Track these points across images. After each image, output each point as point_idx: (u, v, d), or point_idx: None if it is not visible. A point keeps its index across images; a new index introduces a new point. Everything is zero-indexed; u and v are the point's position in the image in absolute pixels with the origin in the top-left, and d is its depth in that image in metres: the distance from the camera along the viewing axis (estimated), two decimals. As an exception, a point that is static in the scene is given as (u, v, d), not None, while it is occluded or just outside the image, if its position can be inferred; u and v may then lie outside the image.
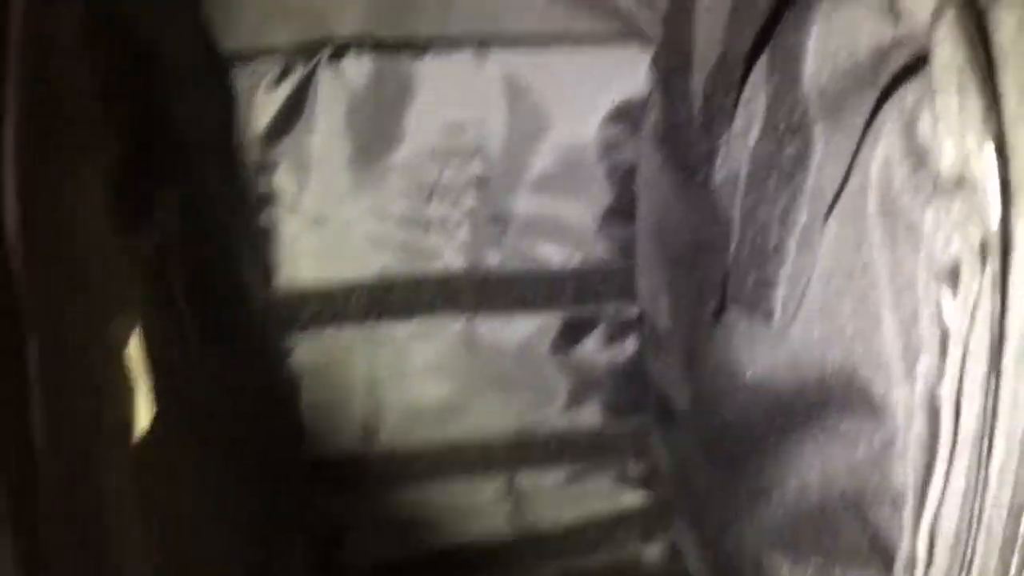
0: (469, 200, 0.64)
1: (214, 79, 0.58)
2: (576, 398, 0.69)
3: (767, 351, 0.47)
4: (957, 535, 0.34)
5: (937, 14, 0.32)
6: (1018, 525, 0.33)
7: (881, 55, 0.37)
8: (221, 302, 0.55)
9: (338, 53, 0.60)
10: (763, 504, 0.49)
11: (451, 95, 0.62)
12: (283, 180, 0.61)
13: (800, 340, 0.44)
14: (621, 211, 0.66)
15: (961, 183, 0.32)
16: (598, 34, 0.61)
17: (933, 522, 0.34)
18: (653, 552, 0.68)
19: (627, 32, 0.61)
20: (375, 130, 0.62)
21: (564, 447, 0.70)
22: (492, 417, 0.68)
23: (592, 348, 0.69)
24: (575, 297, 0.67)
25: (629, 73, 0.62)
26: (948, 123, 0.32)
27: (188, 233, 0.48)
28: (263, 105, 0.60)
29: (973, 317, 0.32)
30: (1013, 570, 0.34)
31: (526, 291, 0.67)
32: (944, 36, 0.32)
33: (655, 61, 0.61)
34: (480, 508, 0.69)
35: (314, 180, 0.62)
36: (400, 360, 0.65)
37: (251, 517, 0.54)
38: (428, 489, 0.68)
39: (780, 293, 0.45)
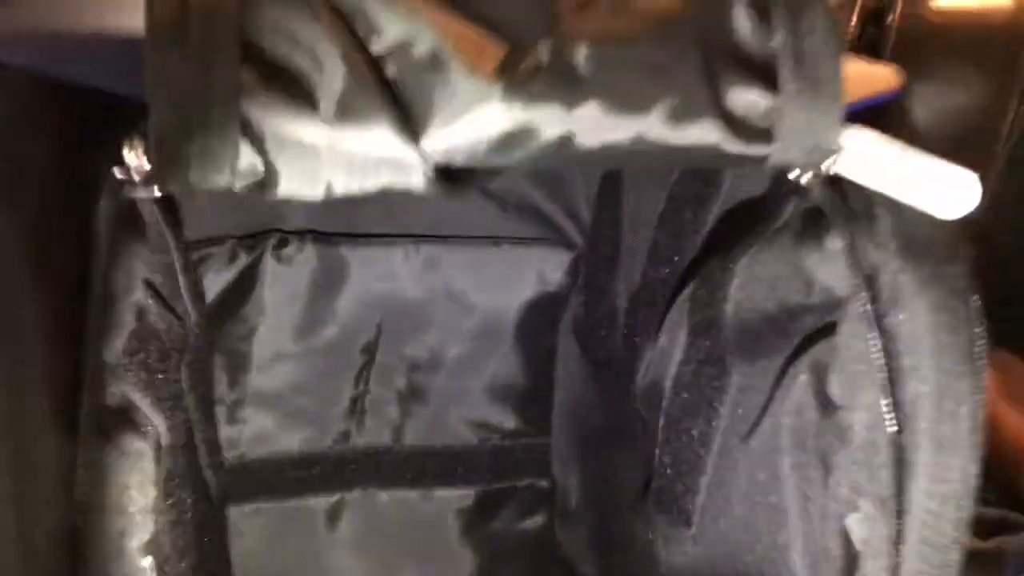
0: (400, 380, 0.68)
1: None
2: (487, 570, 0.72)
3: (685, 550, 0.52)
4: None
5: (848, 300, 0.39)
6: None
7: (795, 313, 0.43)
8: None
9: (282, 242, 0.64)
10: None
11: (383, 282, 0.66)
12: (223, 361, 0.64)
13: (718, 545, 0.49)
14: (538, 391, 0.71)
15: (862, 444, 0.38)
16: (523, 237, 0.67)
17: None
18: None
19: (552, 239, 0.67)
20: (312, 310, 0.65)
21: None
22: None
23: (506, 521, 0.73)
24: (493, 473, 0.71)
25: (550, 273, 0.68)
26: (854, 391, 0.38)
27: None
28: (212, 285, 0.63)
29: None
30: None
31: (445, 466, 0.70)
32: (851, 318, 0.38)
33: (575, 263, 0.67)
34: None
35: (254, 357, 0.64)
36: (322, 535, 0.68)
37: None
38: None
39: (700, 500, 0.50)
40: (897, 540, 0.36)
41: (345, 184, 0.32)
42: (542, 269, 0.68)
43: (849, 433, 0.39)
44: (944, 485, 0.36)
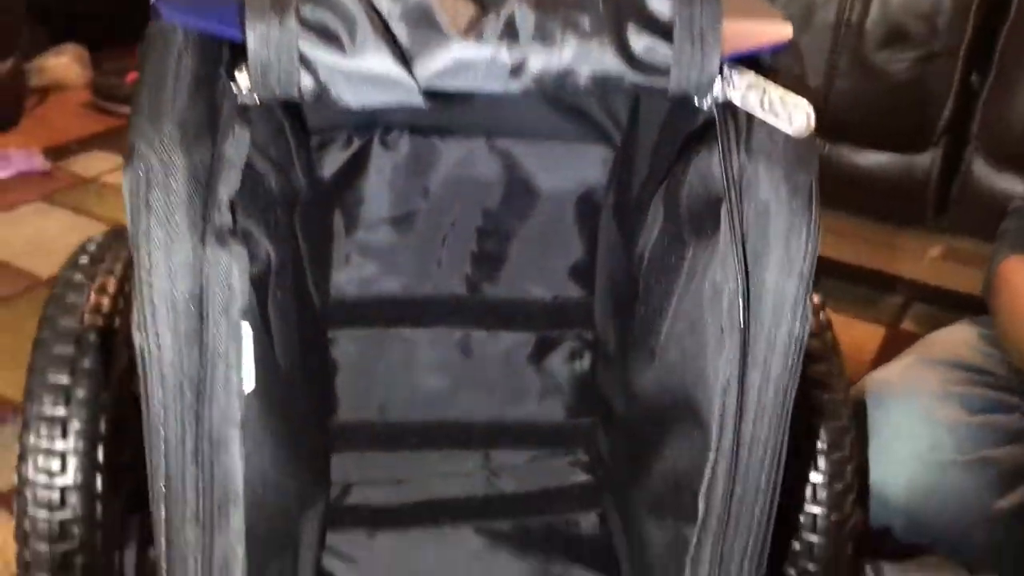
0: (472, 245, 0.87)
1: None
2: (543, 398, 0.92)
3: (649, 377, 0.69)
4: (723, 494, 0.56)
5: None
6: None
7: (716, 201, 0.59)
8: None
9: (386, 131, 0.84)
10: (646, 479, 0.72)
11: (465, 166, 0.85)
12: (338, 220, 0.85)
13: (666, 370, 0.66)
14: (586, 261, 0.89)
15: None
16: (578, 135, 0.84)
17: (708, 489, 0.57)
18: (588, 520, 0.89)
19: (599, 139, 0.84)
20: (409, 185, 0.85)
21: (530, 435, 0.92)
22: (478, 406, 0.91)
23: (558, 361, 0.91)
24: (548, 323, 0.90)
25: (597, 165, 0.85)
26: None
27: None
28: (331, 162, 0.83)
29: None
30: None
31: (510, 314, 0.89)
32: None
33: (615, 160, 0.84)
34: (462, 474, 0.92)
35: (363, 219, 0.85)
36: (411, 357, 0.89)
37: (303, 458, 0.77)
38: (423, 456, 0.91)
39: (661, 340, 0.67)
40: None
41: (371, 96, 0.51)
42: (591, 163, 0.85)
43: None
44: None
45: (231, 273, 0.51)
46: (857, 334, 1.47)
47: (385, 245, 0.87)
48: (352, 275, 0.87)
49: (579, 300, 0.90)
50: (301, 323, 0.71)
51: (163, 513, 0.54)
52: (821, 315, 0.83)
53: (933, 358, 0.93)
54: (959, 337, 0.99)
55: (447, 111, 0.83)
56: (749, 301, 0.54)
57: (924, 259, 1.64)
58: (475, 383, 0.91)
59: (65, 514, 0.67)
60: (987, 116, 1.57)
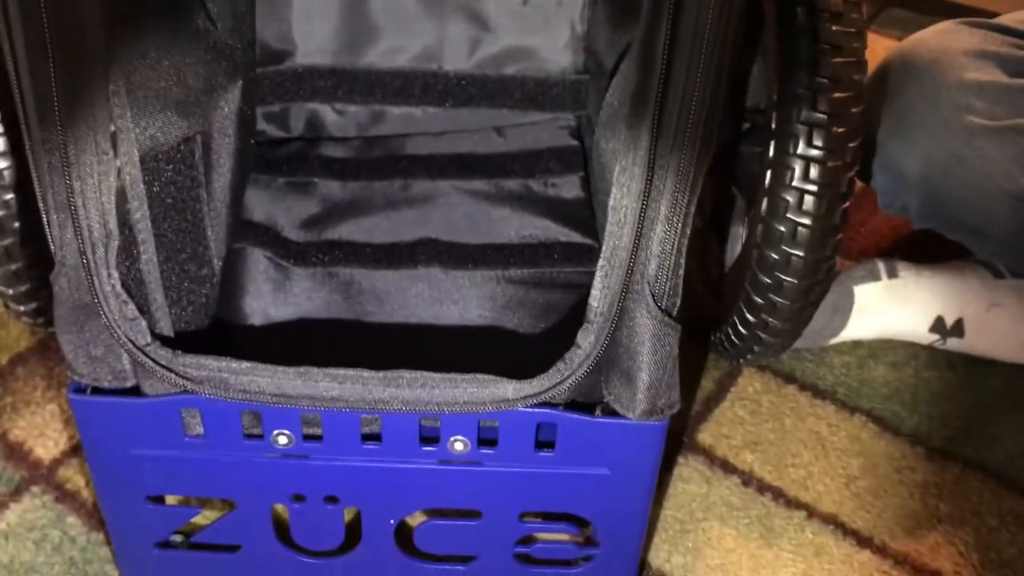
0: None
1: None
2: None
3: None
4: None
5: None
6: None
7: None
8: None
9: None
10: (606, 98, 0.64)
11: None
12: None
13: None
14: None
15: None
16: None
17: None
18: (570, 182, 0.82)
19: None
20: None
21: (513, 89, 0.84)
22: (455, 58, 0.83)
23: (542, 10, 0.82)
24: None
25: None
26: None
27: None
28: None
29: None
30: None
31: None
32: None
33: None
34: (435, 132, 0.85)
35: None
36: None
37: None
38: (394, 111, 0.84)
39: None
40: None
41: None
42: None
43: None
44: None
45: None
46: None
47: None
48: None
49: None
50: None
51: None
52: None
53: (977, 22, 0.80)
54: (1015, 15, 0.85)
55: None
56: None
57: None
58: (448, 30, 0.82)
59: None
60: None
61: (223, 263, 0.70)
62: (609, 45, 0.74)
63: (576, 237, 0.76)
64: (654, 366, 0.56)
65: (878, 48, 1.24)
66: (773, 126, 0.68)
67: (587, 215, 0.78)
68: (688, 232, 0.54)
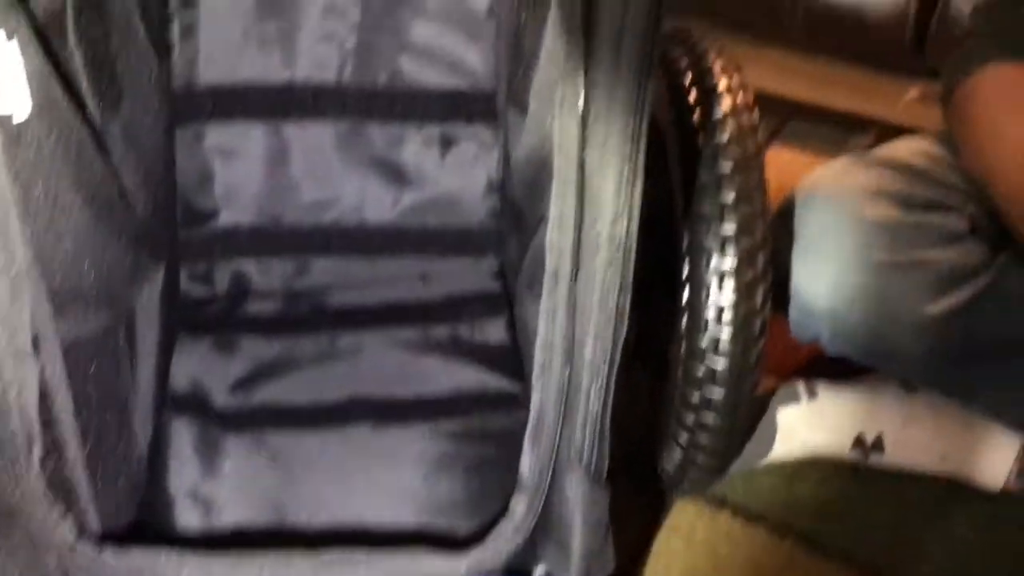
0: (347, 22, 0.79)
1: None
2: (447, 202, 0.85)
3: (523, 143, 0.62)
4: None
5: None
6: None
7: None
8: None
9: None
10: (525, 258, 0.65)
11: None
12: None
13: (532, 128, 0.59)
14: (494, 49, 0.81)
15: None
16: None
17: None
18: (495, 326, 0.83)
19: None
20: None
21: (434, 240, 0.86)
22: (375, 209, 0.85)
23: (460, 161, 0.84)
24: (445, 116, 0.82)
25: None
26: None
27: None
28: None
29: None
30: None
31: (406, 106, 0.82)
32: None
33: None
34: (358, 283, 0.86)
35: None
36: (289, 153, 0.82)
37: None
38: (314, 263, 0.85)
39: (529, 95, 0.60)
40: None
41: None
42: None
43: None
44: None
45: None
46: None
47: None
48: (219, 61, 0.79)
49: (484, 91, 0.82)
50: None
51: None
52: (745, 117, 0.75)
53: (864, 158, 0.85)
54: (906, 145, 0.91)
55: None
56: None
57: (900, 101, 1.55)
58: (369, 184, 0.84)
59: None
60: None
61: (150, 441, 0.69)
62: (524, 197, 0.77)
63: (505, 384, 0.77)
64: (587, 533, 0.57)
65: (782, 161, 1.31)
66: (685, 245, 0.71)
67: (515, 360, 0.79)
68: (610, 401, 0.55)
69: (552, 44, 0.55)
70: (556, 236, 0.52)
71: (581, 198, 0.51)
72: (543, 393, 0.54)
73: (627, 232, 0.51)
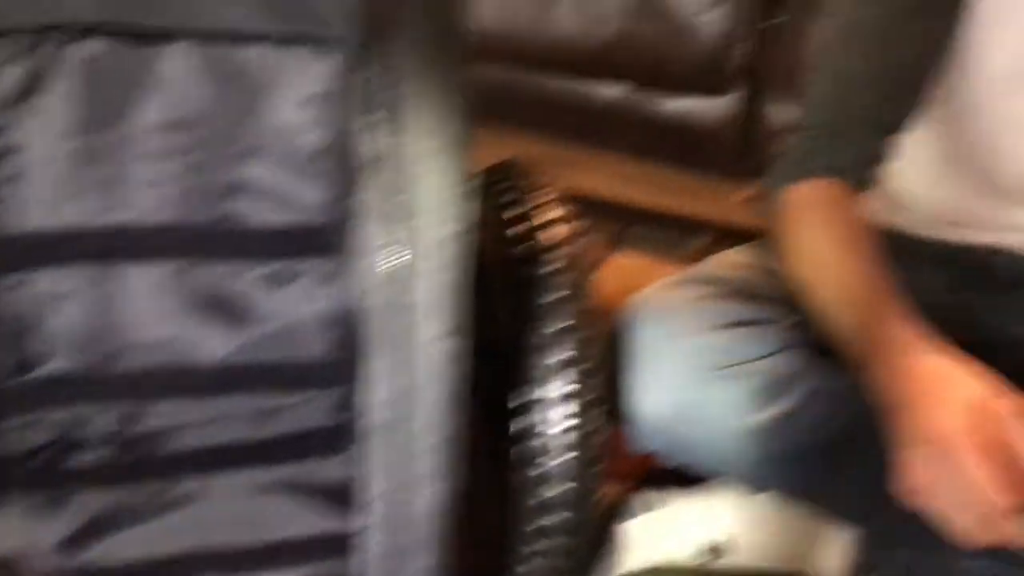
0: (176, 165, 0.78)
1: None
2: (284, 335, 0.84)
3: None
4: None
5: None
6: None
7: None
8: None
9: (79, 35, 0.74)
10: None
11: (172, 79, 0.76)
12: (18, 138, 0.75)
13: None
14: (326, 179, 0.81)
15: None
16: (293, 35, 0.76)
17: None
18: (333, 465, 0.82)
19: (317, 35, 0.76)
20: (103, 103, 0.75)
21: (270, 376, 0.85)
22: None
23: (295, 298, 0.84)
24: (280, 252, 0.82)
25: (320, 67, 0.77)
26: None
27: None
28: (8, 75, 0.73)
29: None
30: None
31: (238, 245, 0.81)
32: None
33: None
34: (188, 425, 0.83)
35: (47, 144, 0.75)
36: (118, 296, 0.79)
37: None
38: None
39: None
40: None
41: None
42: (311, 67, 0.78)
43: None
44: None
45: None
46: (661, 275, 1.45)
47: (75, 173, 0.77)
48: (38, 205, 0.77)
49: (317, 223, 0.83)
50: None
51: None
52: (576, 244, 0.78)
53: (687, 276, 0.90)
54: (731, 259, 0.96)
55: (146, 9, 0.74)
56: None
57: (729, 203, 1.64)
58: (203, 324, 0.82)
59: None
60: (780, 59, 1.58)
61: None
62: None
63: (348, 526, 0.76)
64: None
65: (626, 266, 1.36)
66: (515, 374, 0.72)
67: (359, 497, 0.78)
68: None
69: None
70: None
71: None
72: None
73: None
